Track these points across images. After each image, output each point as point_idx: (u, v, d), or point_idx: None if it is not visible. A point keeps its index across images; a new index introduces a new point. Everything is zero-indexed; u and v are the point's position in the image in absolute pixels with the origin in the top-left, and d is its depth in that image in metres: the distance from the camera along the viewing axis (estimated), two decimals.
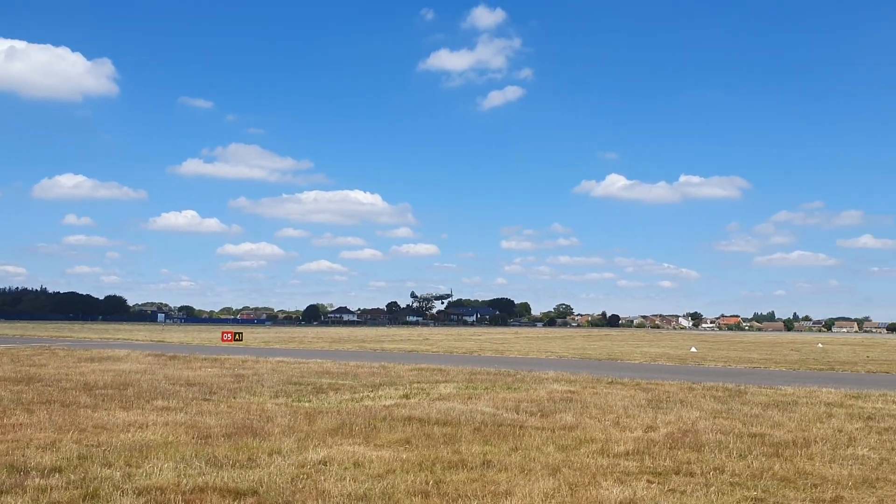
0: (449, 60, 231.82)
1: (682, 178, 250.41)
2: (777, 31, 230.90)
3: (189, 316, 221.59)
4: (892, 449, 10.69)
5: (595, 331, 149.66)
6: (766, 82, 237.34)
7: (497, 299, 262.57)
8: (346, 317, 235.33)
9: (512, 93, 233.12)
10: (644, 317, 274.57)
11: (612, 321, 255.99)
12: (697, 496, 7.68)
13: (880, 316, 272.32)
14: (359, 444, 10.46)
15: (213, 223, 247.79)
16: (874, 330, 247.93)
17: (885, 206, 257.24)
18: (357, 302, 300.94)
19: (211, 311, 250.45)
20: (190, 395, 15.85)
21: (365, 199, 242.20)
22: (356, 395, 16.53)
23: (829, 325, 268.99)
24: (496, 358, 34.87)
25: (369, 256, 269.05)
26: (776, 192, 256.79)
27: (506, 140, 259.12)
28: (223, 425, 11.81)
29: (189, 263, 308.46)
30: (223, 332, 56.24)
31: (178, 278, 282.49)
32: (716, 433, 11.75)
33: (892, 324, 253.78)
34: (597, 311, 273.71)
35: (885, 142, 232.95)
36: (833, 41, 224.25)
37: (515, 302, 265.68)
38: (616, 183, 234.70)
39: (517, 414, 13.77)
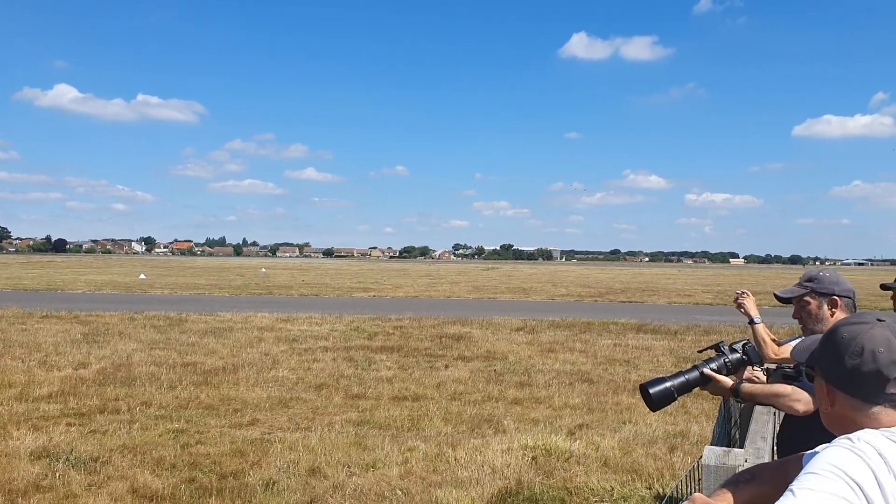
0: None
1: (140, 97, 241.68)
2: None
3: None
4: (308, 369, 12.06)
5: (37, 257, 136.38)
6: (229, 9, 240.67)
7: None
8: None
9: None
10: (95, 241, 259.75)
11: (58, 246, 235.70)
12: (119, 434, 7.58)
13: (318, 242, 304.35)
14: None
15: None
16: (312, 255, 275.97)
17: (327, 142, 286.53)
18: None
19: None
20: None
21: None
22: None
23: (273, 250, 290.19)
24: None
25: None
26: (231, 120, 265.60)
27: None
28: None
29: None
30: None
31: None
32: (150, 365, 11.79)
33: (328, 249, 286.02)
34: (41, 235, 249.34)
35: (327, 80, 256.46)
36: None
37: None
38: (66, 94, 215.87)
39: None
